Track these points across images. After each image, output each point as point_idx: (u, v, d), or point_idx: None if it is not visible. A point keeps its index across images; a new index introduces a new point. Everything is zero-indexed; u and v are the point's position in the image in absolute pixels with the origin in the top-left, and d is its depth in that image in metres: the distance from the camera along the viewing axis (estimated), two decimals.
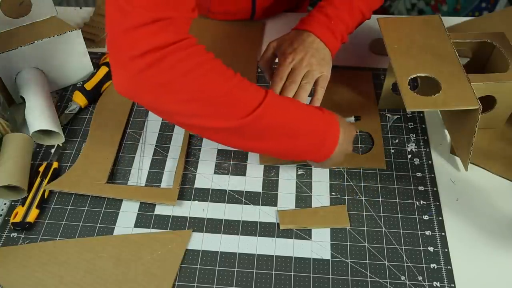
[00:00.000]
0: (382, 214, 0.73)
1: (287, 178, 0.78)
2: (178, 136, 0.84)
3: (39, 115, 0.79)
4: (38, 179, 0.77)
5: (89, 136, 0.83)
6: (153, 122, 0.85)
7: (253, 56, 0.98)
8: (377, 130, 0.84)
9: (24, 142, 0.78)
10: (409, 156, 0.81)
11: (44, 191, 0.75)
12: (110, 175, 0.78)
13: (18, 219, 0.72)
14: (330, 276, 0.67)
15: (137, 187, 0.77)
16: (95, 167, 0.78)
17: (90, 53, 0.91)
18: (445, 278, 0.67)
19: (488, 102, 0.78)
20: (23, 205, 0.73)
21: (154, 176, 0.78)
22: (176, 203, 0.74)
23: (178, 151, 0.81)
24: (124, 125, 0.85)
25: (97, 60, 0.95)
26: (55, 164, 0.79)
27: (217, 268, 0.68)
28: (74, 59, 0.88)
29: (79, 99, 0.87)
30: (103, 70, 0.90)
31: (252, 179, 0.78)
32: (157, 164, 0.80)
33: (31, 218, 0.72)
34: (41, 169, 0.78)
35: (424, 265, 0.68)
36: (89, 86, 0.88)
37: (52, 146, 0.82)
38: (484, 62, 0.84)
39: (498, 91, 0.76)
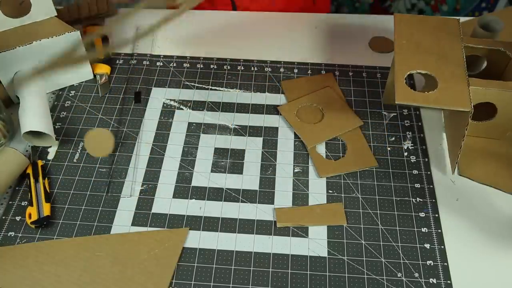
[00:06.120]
0: (378, 212, 0.74)
1: (284, 176, 0.78)
2: (175, 135, 0.84)
3: (31, 116, 0.78)
4: (32, 179, 0.76)
5: None
6: (149, 121, 0.86)
7: None
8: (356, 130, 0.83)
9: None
10: (406, 153, 0.81)
11: (45, 185, 0.75)
12: (108, 172, 0.78)
13: (34, 217, 0.72)
14: (327, 274, 0.67)
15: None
16: None
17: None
18: (441, 274, 0.67)
19: (492, 111, 0.77)
20: (31, 205, 0.73)
21: (151, 175, 0.78)
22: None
23: (178, 150, 0.81)
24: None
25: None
26: (40, 162, 0.79)
27: (214, 266, 0.68)
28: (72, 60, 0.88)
29: (102, 69, 0.92)
30: (98, 42, 0.95)
31: (249, 177, 0.78)
32: (154, 162, 0.80)
33: (46, 212, 0.73)
34: (29, 170, 0.77)
35: (420, 262, 0.68)
36: (100, 56, 0.94)
37: (49, 146, 0.82)
38: (500, 71, 0.82)
39: (499, 99, 0.74)
